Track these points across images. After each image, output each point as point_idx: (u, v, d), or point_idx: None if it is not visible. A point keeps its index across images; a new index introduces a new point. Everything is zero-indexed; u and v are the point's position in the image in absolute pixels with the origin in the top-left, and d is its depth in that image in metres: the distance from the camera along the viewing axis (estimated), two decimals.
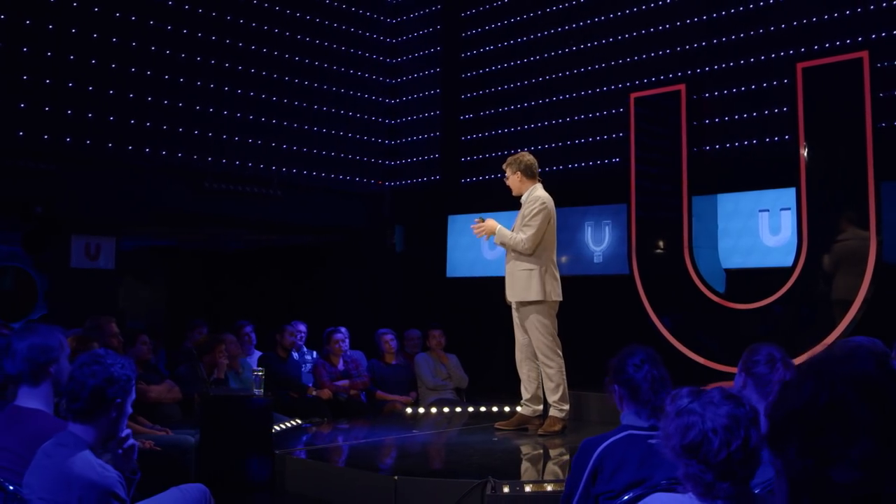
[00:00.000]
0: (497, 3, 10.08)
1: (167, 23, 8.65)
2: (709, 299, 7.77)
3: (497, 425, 6.16)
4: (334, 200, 10.12)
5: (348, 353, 7.93)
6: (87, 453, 2.88)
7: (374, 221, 10.47)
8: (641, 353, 3.25)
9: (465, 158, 10.33)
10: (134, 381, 3.03)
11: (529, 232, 5.95)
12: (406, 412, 7.34)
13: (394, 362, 8.09)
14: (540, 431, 5.83)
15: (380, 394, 7.85)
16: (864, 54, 6.93)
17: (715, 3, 8.21)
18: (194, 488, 3.55)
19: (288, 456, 5.23)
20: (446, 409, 7.27)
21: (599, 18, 9.09)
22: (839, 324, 7.03)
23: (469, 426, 6.35)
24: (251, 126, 9.28)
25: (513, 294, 5.99)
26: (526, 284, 5.95)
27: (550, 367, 5.92)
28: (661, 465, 3.08)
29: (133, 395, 3.04)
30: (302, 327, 8.14)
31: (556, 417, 5.91)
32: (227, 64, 9.12)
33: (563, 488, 4.35)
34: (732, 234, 8.21)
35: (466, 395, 8.25)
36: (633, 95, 8.38)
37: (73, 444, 2.88)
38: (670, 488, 3.00)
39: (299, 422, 6.48)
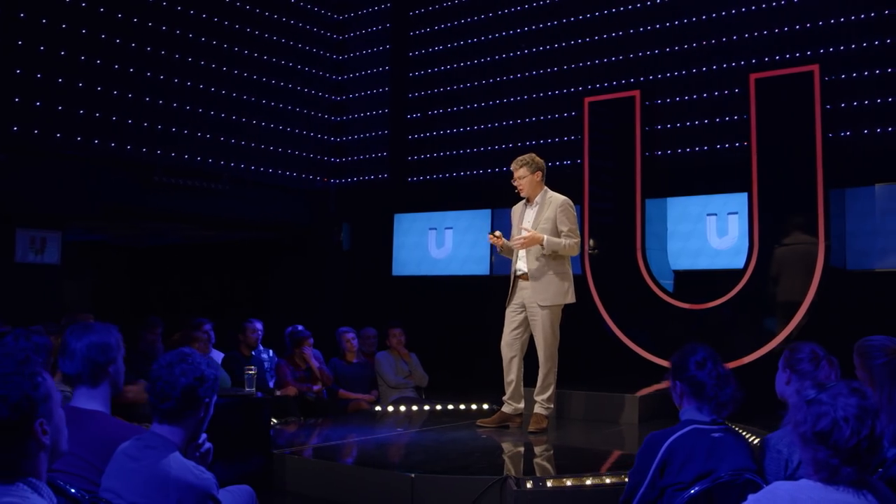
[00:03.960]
0: (447, 3, 10.15)
1: (117, 11, 8.37)
2: (662, 300, 8.03)
3: (479, 423, 6.22)
4: (280, 196, 10.00)
5: (308, 350, 7.84)
6: (178, 455, 2.81)
7: (319, 219, 10.38)
8: (703, 352, 3.38)
9: (412, 157, 10.36)
10: (219, 381, 2.97)
11: (577, 236, 6.10)
12: (375, 410, 7.32)
13: (355, 361, 8.05)
14: (530, 429, 5.92)
15: (342, 392, 7.80)
16: (815, 67, 7.33)
17: (671, 12, 8.50)
18: (242, 490, 3.51)
19: (287, 455, 5.16)
20: (415, 408, 7.28)
21: (554, 23, 9.28)
22: (787, 325, 7.39)
23: (448, 424, 6.38)
24: (200, 119, 9.09)
25: (546, 298, 5.98)
26: (560, 288, 6.02)
27: (547, 368, 6.03)
28: (725, 458, 3.24)
29: (216, 396, 2.99)
30: (259, 325, 8.00)
31: (543, 415, 6.02)
32: (177, 55, 8.90)
33: (579, 483, 4.50)
34: (681, 237, 8.51)
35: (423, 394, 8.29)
36: (587, 100, 8.59)
37: (162, 446, 2.80)
38: (747, 479, 3.17)
39: (275, 421, 6.39)
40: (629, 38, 8.77)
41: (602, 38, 8.94)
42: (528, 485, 4.35)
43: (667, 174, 8.42)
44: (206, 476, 2.79)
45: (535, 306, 6.02)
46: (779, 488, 2.50)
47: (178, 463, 2.76)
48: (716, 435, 3.28)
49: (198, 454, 3.00)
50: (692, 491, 3.17)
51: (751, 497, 2.55)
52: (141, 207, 8.61)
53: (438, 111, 10.20)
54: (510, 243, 6.18)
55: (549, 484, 4.40)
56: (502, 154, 9.52)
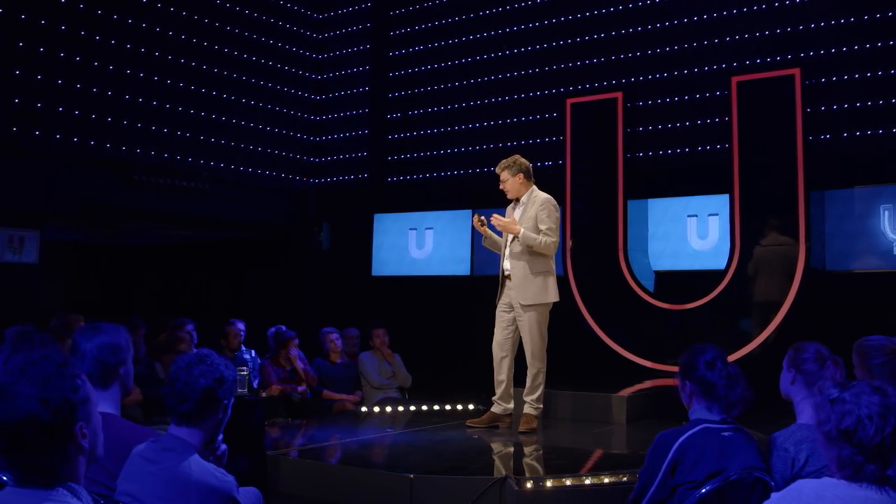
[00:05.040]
0: (428, 3, 10.15)
1: (97, 8, 8.27)
2: (644, 301, 8.10)
3: (469, 423, 6.21)
4: (259, 196, 9.94)
5: (294, 351, 7.80)
6: (198, 457, 2.77)
7: (299, 218, 10.33)
8: (712, 352, 3.41)
9: (392, 157, 10.34)
10: (237, 382, 2.95)
11: (555, 236, 6.04)
12: (361, 411, 7.30)
13: (338, 361, 8.02)
14: (520, 429, 5.92)
15: (326, 393, 7.76)
16: (796, 71, 7.44)
17: (654, 14, 8.57)
18: (250, 492, 3.47)
19: (282, 457, 5.13)
20: (401, 408, 7.27)
21: (536, 24, 9.31)
22: (769, 325, 7.49)
23: (438, 425, 6.37)
24: (180, 118, 9.01)
25: (527, 297, 5.97)
26: (542, 287, 6.00)
27: (536, 367, 6.02)
28: (735, 456, 3.28)
29: (234, 398, 2.96)
30: (242, 326, 7.95)
31: (532, 415, 6.03)
32: (157, 53, 8.81)
33: (579, 483, 4.52)
34: (662, 238, 8.58)
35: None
36: (569, 101, 8.64)
37: (182, 449, 2.76)
38: (756, 478, 3.21)
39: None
40: (612, 39, 8.83)
41: (584, 40, 8.98)
42: (529, 485, 4.37)
43: (648, 175, 8.49)
44: (227, 478, 2.77)
45: (519, 306, 6.04)
46: (804, 486, 2.53)
47: (198, 465, 2.73)
48: (726, 434, 3.31)
49: (212, 458, 2.96)
50: (703, 490, 3.20)
51: (774, 495, 2.58)
52: (120, 206, 8.51)
53: (419, 111, 10.19)
54: (494, 234, 6.24)
55: (548, 484, 4.41)
56: (483, 154, 9.54)
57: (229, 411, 2.93)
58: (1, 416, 1.91)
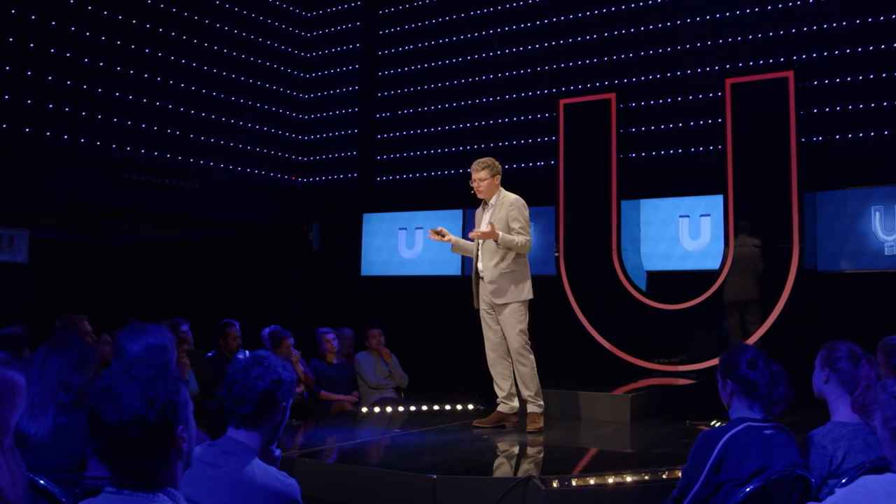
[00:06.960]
0: (418, 2, 10.13)
1: (87, 4, 8.13)
2: (638, 301, 8.16)
3: (476, 423, 6.22)
4: (249, 195, 9.85)
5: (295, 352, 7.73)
6: (259, 461, 2.74)
7: (288, 218, 10.25)
8: (753, 351, 3.44)
9: (381, 157, 10.31)
10: (295, 384, 2.92)
11: (527, 234, 6.05)
12: (362, 412, 7.26)
13: (335, 362, 7.98)
14: (529, 429, 5.93)
15: (324, 393, 7.72)
16: (790, 74, 7.55)
17: (648, 15, 8.63)
18: None
19: (296, 458, 5.08)
20: (400, 409, 7.25)
21: (529, 24, 9.33)
22: (763, 325, 7.59)
23: (443, 425, 6.36)
24: (171, 116, 8.90)
25: (501, 297, 6.00)
26: (517, 286, 6.01)
27: (524, 365, 6.02)
28: (777, 454, 3.32)
29: (292, 400, 2.92)
30: (238, 325, 7.86)
31: (537, 413, 6.04)
32: (147, 50, 8.70)
33: (602, 482, 4.55)
34: (654, 238, 8.65)
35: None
36: (562, 102, 8.68)
37: (242, 452, 2.72)
38: (798, 475, 3.25)
39: None
40: (605, 40, 8.87)
41: (578, 41, 9.02)
42: (555, 484, 4.37)
43: (642, 176, 8.55)
44: (290, 482, 2.73)
45: (496, 306, 6.06)
46: (871, 483, 2.56)
47: (261, 469, 2.69)
48: (768, 432, 3.34)
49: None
50: (748, 488, 3.24)
51: (840, 491, 2.61)
52: (110, 205, 8.39)
53: (408, 111, 10.17)
54: (461, 239, 6.30)
55: (574, 483, 4.43)
56: (474, 154, 9.41)
57: (287, 413, 2.89)
58: (105, 416, 1.87)
